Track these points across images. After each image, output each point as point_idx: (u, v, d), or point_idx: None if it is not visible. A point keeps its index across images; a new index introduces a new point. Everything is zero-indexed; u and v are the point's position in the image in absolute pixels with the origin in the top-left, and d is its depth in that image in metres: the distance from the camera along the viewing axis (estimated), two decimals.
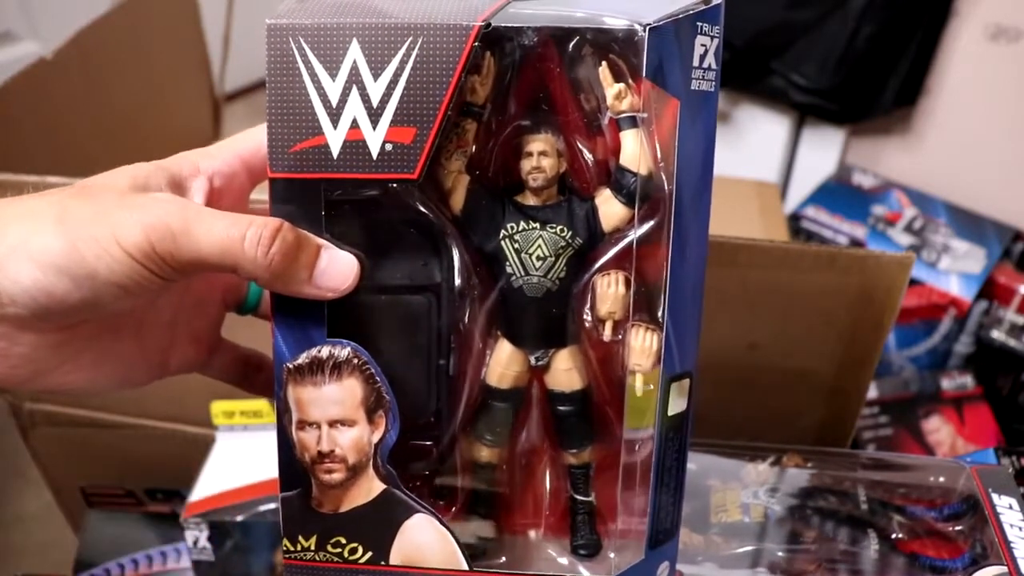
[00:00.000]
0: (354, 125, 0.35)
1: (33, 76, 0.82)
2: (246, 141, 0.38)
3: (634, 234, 0.37)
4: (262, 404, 0.73)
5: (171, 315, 0.40)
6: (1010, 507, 0.54)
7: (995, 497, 0.55)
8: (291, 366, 0.37)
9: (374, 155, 0.35)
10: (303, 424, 0.37)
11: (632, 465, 0.39)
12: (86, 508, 0.88)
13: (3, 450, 1.16)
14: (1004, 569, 0.50)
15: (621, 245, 0.38)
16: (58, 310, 0.33)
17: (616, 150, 0.37)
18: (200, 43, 1.11)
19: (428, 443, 0.41)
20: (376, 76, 0.34)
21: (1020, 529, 0.52)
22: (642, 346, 0.37)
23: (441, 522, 0.38)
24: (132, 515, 0.86)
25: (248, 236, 0.33)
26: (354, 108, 0.35)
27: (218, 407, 0.73)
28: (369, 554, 0.39)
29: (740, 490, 0.58)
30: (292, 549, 0.39)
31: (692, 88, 0.35)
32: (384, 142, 0.35)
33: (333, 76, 0.35)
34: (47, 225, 0.33)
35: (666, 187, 0.36)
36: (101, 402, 0.81)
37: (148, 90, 1.00)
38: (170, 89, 1.07)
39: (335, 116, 0.35)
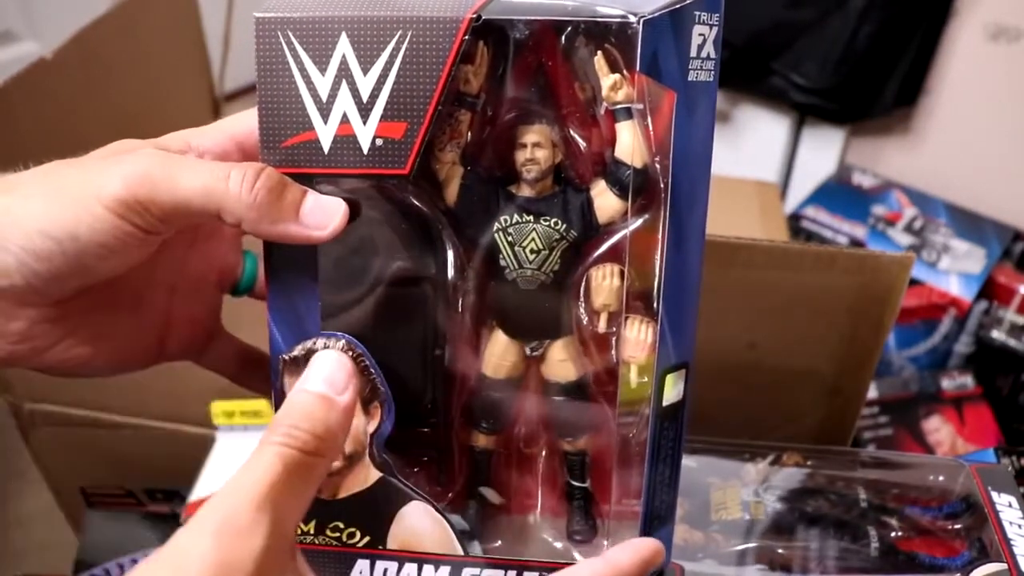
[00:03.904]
0: (344, 120, 0.35)
1: (33, 76, 0.82)
2: (240, 122, 0.38)
3: (628, 227, 0.37)
4: (262, 404, 0.73)
5: (167, 294, 0.41)
6: (1010, 505, 0.54)
7: (995, 495, 0.55)
8: (287, 357, 0.37)
9: (365, 150, 0.35)
10: None
11: (627, 453, 0.39)
12: (86, 508, 0.88)
13: (3, 450, 1.15)
14: (1004, 567, 0.50)
15: (616, 238, 0.37)
16: (48, 276, 0.33)
17: (612, 141, 0.36)
18: (200, 43, 1.11)
19: (425, 431, 0.41)
20: (366, 70, 0.34)
21: (1020, 527, 0.53)
22: (636, 338, 0.37)
23: (436, 509, 0.39)
24: (132, 515, 0.86)
25: (232, 175, 0.33)
26: (344, 103, 0.35)
27: (218, 407, 0.73)
28: (367, 538, 0.39)
29: (740, 488, 0.58)
30: None
31: (690, 79, 0.35)
32: (374, 137, 0.35)
33: (323, 70, 0.34)
34: (32, 191, 0.33)
35: (661, 180, 0.36)
36: (101, 402, 0.81)
37: (148, 90, 1.00)
38: (170, 89, 1.07)
39: (325, 111, 0.35)
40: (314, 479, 0.30)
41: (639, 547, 0.31)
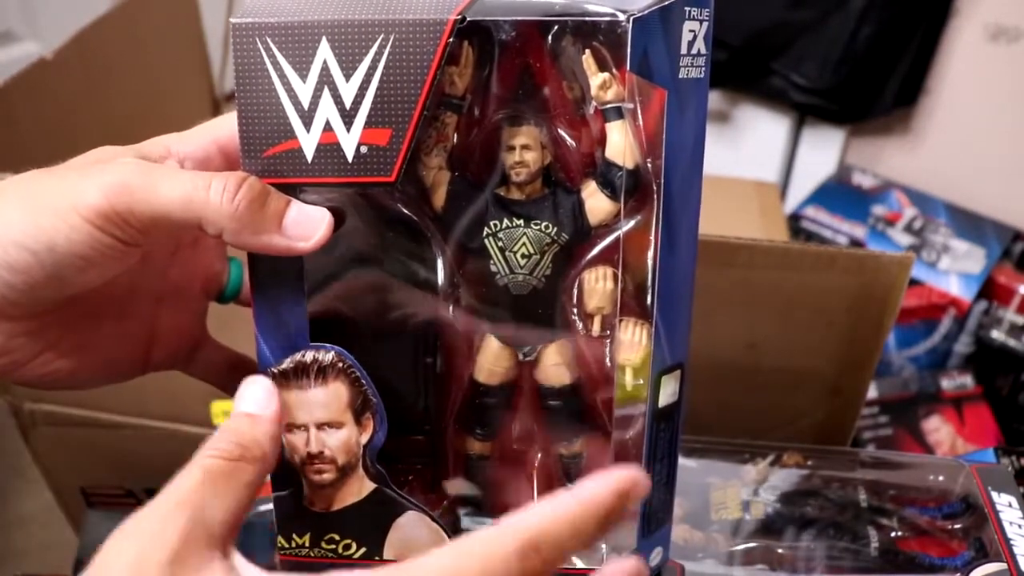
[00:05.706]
0: (327, 128, 0.34)
1: (33, 76, 0.82)
2: (223, 126, 0.37)
3: (621, 229, 0.36)
4: None
5: (151, 304, 0.40)
6: (1010, 505, 0.54)
7: (995, 495, 0.55)
8: (276, 371, 0.36)
9: (349, 158, 0.34)
10: (291, 427, 0.37)
11: (623, 455, 0.39)
12: (86, 508, 0.88)
13: (3, 450, 1.16)
14: (1004, 566, 0.50)
15: (608, 240, 0.37)
16: (24, 288, 0.33)
17: (602, 140, 0.36)
18: (200, 43, 1.11)
19: (419, 438, 0.40)
20: (348, 76, 0.33)
21: (1020, 527, 0.52)
22: (631, 340, 0.37)
23: (432, 518, 0.38)
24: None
25: (213, 185, 0.32)
26: (326, 110, 0.34)
27: (218, 407, 0.73)
28: (363, 549, 0.39)
29: (740, 488, 0.58)
30: (287, 546, 0.39)
31: (680, 76, 0.34)
32: (359, 144, 0.34)
33: (303, 77, 0.33)
34: (8, 201, 0.33)
35: (653, 180, 0.35)
36: (101, 402, 0.81)
37: (148, 90, 1.00)
38: (170, 89, 1.07)
39: (307, 119, 0.34)
40: (240, 481, 0.31)
41: (611, 477, 0.29)
